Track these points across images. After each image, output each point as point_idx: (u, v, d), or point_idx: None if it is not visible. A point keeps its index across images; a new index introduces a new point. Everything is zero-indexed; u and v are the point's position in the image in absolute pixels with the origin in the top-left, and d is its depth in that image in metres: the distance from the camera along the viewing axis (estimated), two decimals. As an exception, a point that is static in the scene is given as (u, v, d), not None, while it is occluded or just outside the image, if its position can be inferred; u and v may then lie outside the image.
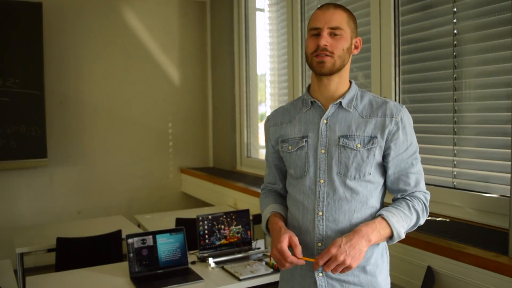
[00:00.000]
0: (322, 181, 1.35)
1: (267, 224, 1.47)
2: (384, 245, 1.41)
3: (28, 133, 3.92)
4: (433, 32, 2.33)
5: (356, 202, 1.33)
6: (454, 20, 2.22)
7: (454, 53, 2.22)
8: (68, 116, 4.30)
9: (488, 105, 2.13)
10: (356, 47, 1.39)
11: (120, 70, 4.51)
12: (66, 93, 4.28)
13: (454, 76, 2.23)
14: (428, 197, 1.39)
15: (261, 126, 4.33)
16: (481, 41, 2.12)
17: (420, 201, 1.36)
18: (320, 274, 1.34)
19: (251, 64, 4.27)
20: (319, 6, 1.45)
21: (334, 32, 1.32)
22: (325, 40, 1.30)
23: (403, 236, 1.31)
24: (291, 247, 1.30)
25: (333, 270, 1.23)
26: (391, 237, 1.30)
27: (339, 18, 1.32)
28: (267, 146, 1.56)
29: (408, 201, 1.34)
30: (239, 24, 4.31)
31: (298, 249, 1.28)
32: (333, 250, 1.22)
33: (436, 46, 2.31)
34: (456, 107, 2.23)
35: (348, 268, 1.23)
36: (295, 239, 1.30)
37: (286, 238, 1.29)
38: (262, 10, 4.21)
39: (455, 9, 2.21)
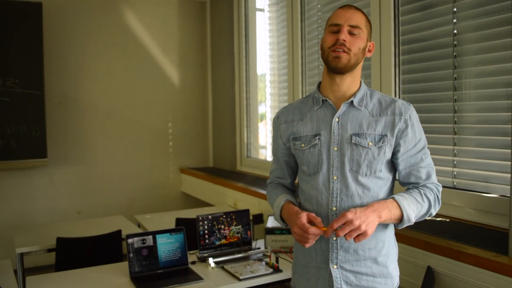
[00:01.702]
0: (335, 177, 1.39)
1: (281, 212, 1.49)
2: (393, 236, 1.47)
3: (28, 133, 3.92)
4: (433, 32, 2.33)
5: (368, 197, 1.38)
6: (454, 20, 2.22)
7: (454, 53, 2.22)
8: (68, 116, 4.30)
9: (488, 105, 2.13)
10: (369, 51, 1.44)
11: (120, 70, 4.51)
12: (66, 93, 4.29)
13: (454, 76, 2.23)
14: (440, 189, 1.44)
15: (261, 126, 4.33)
16: (481, 41, 2.12)
17: (432, 191, 1.40)
18: (335, 266, 1.39)
19: (251, 64, 4.27)
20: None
21: (353, 31, 1.37)
22: (345, 35, 1.35)
23: (412, 220, 1.35)
24: (312, 223, 1.34)
25: (347, 236, 1.25)
26: (401, 219, 1.34)
27: (358, 18, 1.38)
28: (276, 143, 1.58)
29: (421, 189, 1.40)
30: (239, 24, 4.31)
31: (319, 220, 1.33)
32: (349, 215, 1.25)
33: (436, 46, 2.31)
34: (456, 107, 2.23)
35: (364, 235, 1.24)
36: (313, 214, 1.35)
37: (305, 215, 1.34)
38: (262, 10, 4.21)
39: (455, 9, 2.21)
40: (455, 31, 2.21)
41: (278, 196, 1.53)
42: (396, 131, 1.38)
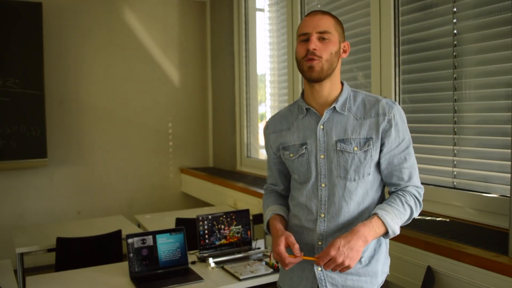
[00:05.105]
0: (323, 185, 1.41)
1: (268, 224, 1.52)
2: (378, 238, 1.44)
3: (28, 133, 3.92)
4: (433, 32, 2.33)
5: (355, 202, 1.39)
6: (454, 20, 2.22)
7: (454, 53, 2.22)
8: (68, 116, 4.30)
9: (488, 105, 2.13)
10: (344, 51, 1.44)
11: (120, 70, 4.51)
12: (66, 93, 4.29)
13: (454, 76, 2.23)
14: (422, 191, 1.43)
15: (261, 126, 4.33)
16: (481, 41, 2.12)
17: (412, 196, 1.40)
18: (319, 269, 1.40)
19: (251, 64, 4.27)
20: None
21: (322, 36, 1.36)
22: (314, 44, 1.35)
23: (397, 232, 1.36)
24: (289, 247, 1.35)
25: (333, 269, 1.29)
26: (386, 233, 1.35)
27: (326, 23, 1.38)
28: (267, 151, 1.61)
29: (401, 197, 1.39)
30: (239, 24, 4.31)
31: (296, 248, 1.34)
32: (333, 252, 1.26)
33: (436, 46, 2.31)
34: (456, 107, 2.23)
35: (347, 268, 1.28)
36: (292, 239, 1.36)
37: (283, 240, 1.36)
38: (262, 10, 4.21)
39: (455, 9, 2.21)
40: (455, 31, 2.21)
41: (268, 207, 1.55)
42: (380, 131, 1.37)
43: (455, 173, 2.25)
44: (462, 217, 2.17)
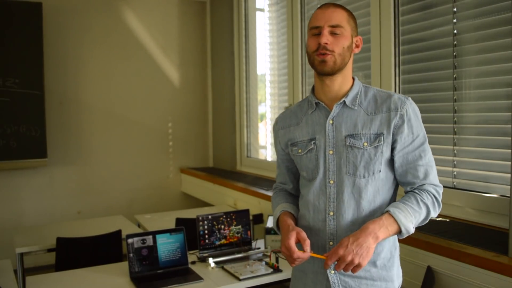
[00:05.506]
0: (332, 182, 1.36)
1: (278, 222, 1.48)
2: (394, 239, 1.40)
3: (28, 133, 3.92)
4: (433, 32, 2.33)
5: (365, 201, 1.34)
6: (454, 20, 2.22)
7: (454, 53, 2.22)
8: (68, 116, 4.30)
9: (488, 105, 2.13)
10: (357, 46, 1.39)
11: (120, 70, 4.51)
12: (66, 93, 4.28)
13: (454, 76, 2.23)
14: (440, 190, 1.37)
15: (261, 126, 4.33)
16: (481, 41, 2.12)
17: (429, 194, 1.33)
18: (333, 272, 1.36)
19: (251, 64, 4.27)
20: (319, 6, 1.45)
21: (334, 31, 1.32)
22: (326, 38, 1.31)
23: (412, 231, 1.30)
24: (299, 243, 1.31)
25: (344, 269, 1.24)
26: (399, 232, 1.29)
27: (339, 17, 1.33)
28: (276, 148, 1.57)
29: (417, 195, 1.33)
30: (239, 24, 4.31)
31: (307, 243, 1.30)
32: (341, 251, 1.23)
33: (436, 46, 2.31)
34: (456, 107, 2.23)
35: (359, 266, 1.23)
36: (303, 234, 1.32)
37: (294, 235, 1.31)
38: (262, 10, 4.21)
39: (455, 9, 2.21)
40: (455, 31, 2.21)
41: (278, 205, 1.52)
42: (392, 127, 1.32)
43: (455, 173, 2.25)
44: (462, 217, 2.17)
